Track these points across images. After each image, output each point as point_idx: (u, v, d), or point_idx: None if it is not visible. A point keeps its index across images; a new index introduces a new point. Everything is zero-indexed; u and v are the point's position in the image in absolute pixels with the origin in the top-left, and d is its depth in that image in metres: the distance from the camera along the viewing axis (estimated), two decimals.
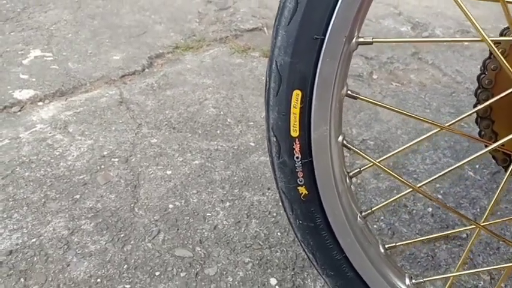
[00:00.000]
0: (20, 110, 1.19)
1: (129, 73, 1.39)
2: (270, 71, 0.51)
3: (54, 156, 1.03)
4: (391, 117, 1.26)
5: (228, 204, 0.94)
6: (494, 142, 0.64)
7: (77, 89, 1.29)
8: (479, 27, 0.45)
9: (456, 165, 0.55)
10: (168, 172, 1.01)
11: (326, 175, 0.54)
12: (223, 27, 1.75)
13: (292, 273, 0.80)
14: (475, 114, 0.73)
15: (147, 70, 1.43)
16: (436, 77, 1.50)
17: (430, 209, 0.95)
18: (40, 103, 1.22)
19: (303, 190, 0.56)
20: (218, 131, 1.16)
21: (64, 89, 1.28)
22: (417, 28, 1.86)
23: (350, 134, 1.18)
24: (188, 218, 0.90)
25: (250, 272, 0.80)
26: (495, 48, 0.45)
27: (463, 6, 0.44)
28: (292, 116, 0.51)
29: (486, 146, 0.68)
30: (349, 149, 0.56)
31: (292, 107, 0.50)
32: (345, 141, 0.55)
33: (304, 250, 0.61)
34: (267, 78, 0.52)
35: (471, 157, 0.54)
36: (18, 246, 0.81)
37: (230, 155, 1.08)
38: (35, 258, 0.79)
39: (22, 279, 0.76)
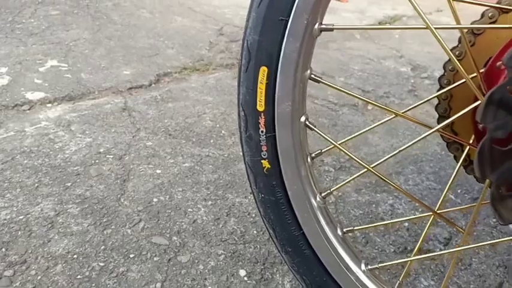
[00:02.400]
0: (29, 109, 1.27)
1: (137, 86, 1.48)
2: (242, 49, 0.57)
3: (53, 149, 1.09)
4: (380, 142, 1.30)
5: (210, 203, 0.97)
6: (453, 131, 0.68)
7: (85, 96, 1.38)
8: (423, 16, 0.51)
9: (405, 146, 0.59)
10: (158, 171, 1.06)
11: (288, 151, 0.59)
12: (231, 55, 1.86)
13: (262, 267, 0.82)
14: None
15: (153, 85, 1.52)
16: (429, 113, 1.55)
17: (406, 224, 0.96)
18: (49, 105, 1.30)
19: (266, 164, 0.60)
20: (212, 140, 1.21)
21: (73, 95, 1.37)
22: (417, 69, 1.94)
23: (338, 153, 1.22)
24: (170, 211, 0.93)
25: (221, 262, 0.82)
26: (439, 36, 0.51)
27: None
28: (258, 91, 0.56)
29: (451, 143, 0.72)
30: (311, 129, 0.60)
31: (259, 82, 0.56)
32: (307, 122, 0.60)
33: (265, 225, 0.64)
34: (240, 57, 0.58)
35: (417, 139, 0.58)
36: (6, 221, 0.86)
37: (219, 161, 1.12)
38: (19, 233, 0.83)
39: (4, 249, 0.79)
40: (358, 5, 3.01)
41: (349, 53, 2.10)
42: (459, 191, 1.10)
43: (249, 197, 1.00)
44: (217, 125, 1.30)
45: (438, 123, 0.71)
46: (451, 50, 0.66)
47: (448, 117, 0.67)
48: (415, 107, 0.66)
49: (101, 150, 1.11)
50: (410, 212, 1.01)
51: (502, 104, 0.43)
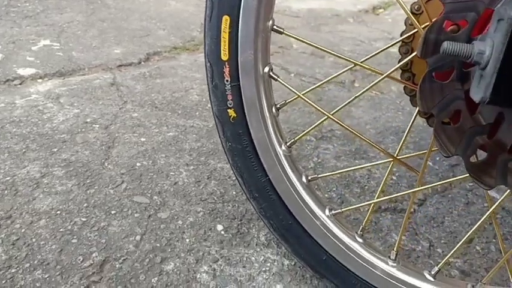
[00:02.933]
0: (20, 84, 1.30)
1: (126, 64, 1.51)
2: (206, 0, 0.59)
3: (41, 119, 1.12)
4: (364, 115, 1.33)
5: (192, 167, 1.00)
6: (414, 84, 0.70)
7: (75, 72, 1.41)
8: None
9: (361, 92, 0.62)
10: (142, 139, 1.09)
11: (252, 100, 0.61)
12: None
13: (239, 223, 0.85)
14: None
15: (143, 63, 1.54)
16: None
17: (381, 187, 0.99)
18: (39, 80, 1.34)
19: (232, 113, 0.63)
20: (197, 113, 1.24)
21: (64, 71, 1.40)
22: None
23: (320, 124, 1.24)
24: (152, 174, 0.96)
25: (200, 219, 0.85)
26: None
27: None
28: (222, 40, 0.59)
29: (411, 96, 0.74)
30: (275, 79, 0.63)
31: (222, 31, 0.59)
32: (271, 73, 0.62)
33: (234, 173, 0.67)
34: (205, 8, 0.60)
35: (371, 84, 0.60)
36: None
37: (204, 131, 1.15)
38: (6, 192, 0.87)
39: None
40: None
41: (340, 35, 2.12)
42: (437, 158, 1.13)
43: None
44: (204, 99, 1.33)
45: (401, 77, 0.74)
46: (411, 4, 0.68)
47: (409, 71, 0.70)
48: (374, 55, 0.68)
49: (88, 120, 1.14)
50: (388, 177, 1.04)
51: (439, 39, 0.46)
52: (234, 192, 0.93)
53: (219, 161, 1.04)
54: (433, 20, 0.58)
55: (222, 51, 0.60)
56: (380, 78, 0.60)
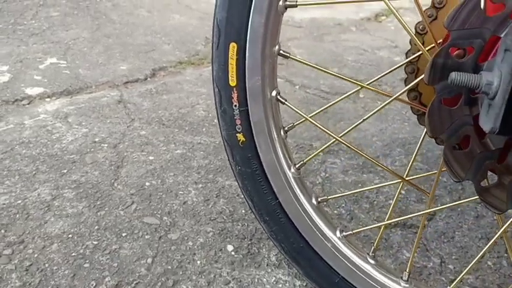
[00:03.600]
0: (28, 103, 1.31)
1: (133, 80, 1.52)
2: (213, 27, 0.60)
3: (50, 139, 1.13)
4: (370, 127, 1.33)
5: (200, 185, 1.01)
6: (420, 104, 0.71)
7: (83, 90, 1.42)
8: None
9: (368, 115, 0.62)
10: (151, 157, 1.10)
11: (260, 124, 0.62)
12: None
13: (249, 242, 0.85)
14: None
15: (149, 79, 1.56)
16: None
17: (391, 201, 0.99)
18: (48, 99, 1.35)
19: (241, 137, 0.63)
20: (204, 129, 1.25)
21: (71, 89, 1.41)
22: None
23: (327, 138, 1.25)
24: (161, 194, 0.97)
25: (210, 239, 0.85)
26: (392, 7, 0.54)
27: None
28: (230, 66, 0.60)
29: (419, 115, 0.75)
30: (282, 103, 0.63)
31: (229, 58, 0.59)
32: (278, 96, 0.63)
33: (244, 197, 0.67)
34: (212, 35, 0.61)
35: (378, 108, 0.61)
36: (4, 206, 0.90)
37: (211, 148, 1.16)
38: (17, 216, 0.88)
39: (3, 231, 0.83)
40: None
41: (343, 45, 2.12)
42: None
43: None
44: (210, 115, 1.34)
45: (408, 97, 0.74)
46: (416, 24, 0.69)
47: (416, 90, 0.70)
48: (380, 78, 0.69)
49: (96, 139, 1.15)
50: (396, 191, 1.04)
51: (446, 65, 0.46)
52: (243, 211, 0.93)
53: (227, 178, 1.04)
54: (439, 47, 0.59)
55: (230, 77, 0.60)
56: (388, 101, 0.61)
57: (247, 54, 0.58)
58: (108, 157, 1.08)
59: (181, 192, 0.98)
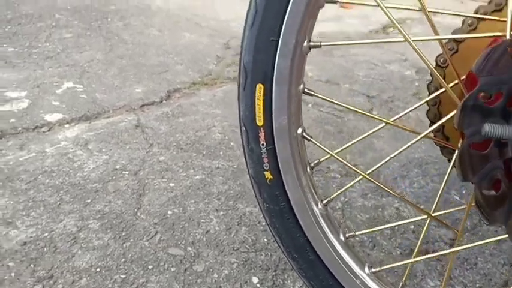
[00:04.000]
0: (48, 130, 1.34)
1: (149, 103, 1.54)
2: (239, 69, 0.62)
3: (72, 168, 1.15)
4: (385, 146, 1.33)
5: (221, 213, 1.02)
6: (445, 140, 0.71)
7: (100, 115, 1.44)
8: (401, 29, 0.55)
9: (395, 153, 0.63)
10: (171, 184, 1.11)
11: (287, 161, 0.63)
12: (237, 68, 1.91)
13: (274, 274, 0.86)
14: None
15: (164, 101, 1.58)
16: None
17: (412, 226, 0.99)
18: (66, 125, 1.37)
19: (268, 175, 0.64)
20: (221, 152, 1.26)
21: (89, 114, 1.43)
22: (421, 72, 1.96)
23: (344, 159, 1.25)
24: (184, 223, 0.98)
25: (234, 270, 0.86)
26: (417, 48, 0.55)
27: (387, 11, 0.54)
28: (257, 106, 0.61)
29: (443, 147, 0.75)
30: (308, 140, 0.64)
31: (256, 98, 0.61)
32: (304, 133, 0.64)
33: (272, 233, 0.68)
34: (238, 76, 0.62)
35: (406, 146, 0.61)
36: (32, 239, 0.91)
37: (229, 173, 1.17)
38: (45, 249, 0.89)
39: (32, 266, 0.85)
40: (362, 11, 3.04)
41: (353, 59, 2.13)
42: (464, 191, 1.13)
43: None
44: (226, 137, 1.35)
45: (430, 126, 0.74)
46: (437, 57, 0.69)
47: (437, 109, 0.71)
48: (404, 114, 0.70)
49: (117, 166, 1.17)
50: (416, 214, 1.04)
51: (476, 110, 0.47)
52: (266, 240, 0.94)
53: (247, 204, 1.05)
54: (462, 83, 0.59)
55: (256, 117, 0.62)
56: (417, 139, 0.61)
57: (273, 95, 0.60)
58: (130, 185, 1.10)
59: (203, 221, 0.99)
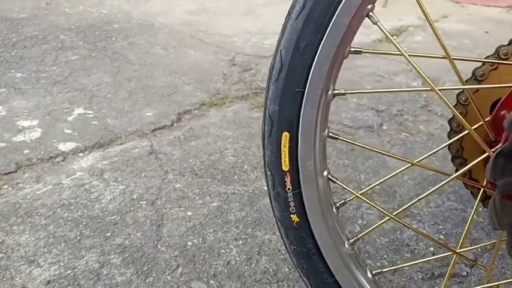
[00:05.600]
0: (63, 160, 1.35)
1: (160, 127, 1.55)
2: (264, 117, 0.63)
3: (90, 200, 1.16)
4: (398, 164, 1.34)
5: (241, 242, 1.02)
6: (469, 176, 0.72)
7: (113, 142, 1.45)
8: (427, 79, 0.56)
9: (424, 194, 0.64)
10: (189, 213, 1.12)
11: (314, 204, 0.64)
12: (245, 86, 1.93)
13: None
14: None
15: (175, 124, 1.59)
16: (445, 127, 1.58)
17: (431, 248, 1.00)
18: (81, 154, 1.38)
19: (295, 218, 0.65)
20: (235, 177, 1.27)
21: (102, 142, 1.45)
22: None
23: (358, 179, 1.26)
24: (204, 254, 0.99)
25: None
26: (443, 97, 0.56)
27: (413, 62, 0.55)
28: (282, 153, 0.62)
29: (468, 186, 0.75)
30: (334, 182, 0.65)
31: (282, 146, 0.61)
32: (329, 176, 0.65)
33: (300, 274, 0.69)
34: (262, 124, 0.63)
35: (436, 187, 0.62)
36: (55, 277, 0.92)
37: (245, 198, 1.18)
38: (69, 287, 0.90)
39: None
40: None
41: (359, 71, 2.14)
42: (480, 209, 1.13)
43: (277, 234, 1.04)
44: (239, 160, 1.36)
45: (452, 161, 0.75)
46: (457, 95, 0.70)
47: (461, 157, 0.71)
48: (429, 156, 0.70)
49: (134, 196, 1.18)
50: (435, 236, 1.05)
51: (508, 162, 0.47)
52: (287, 269, 0.95)
53: (265, 232, 1.06)
54: (486, 124, 0.60)
55: (282, 163, 0.62)
56: (447, 180, 0.61)
57: (299, 142, 0.60)
58: (148, 216, 1.10)
59: (223, 251, 1.00)
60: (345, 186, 0.66)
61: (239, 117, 1.65)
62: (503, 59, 0.63)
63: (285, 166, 0.62)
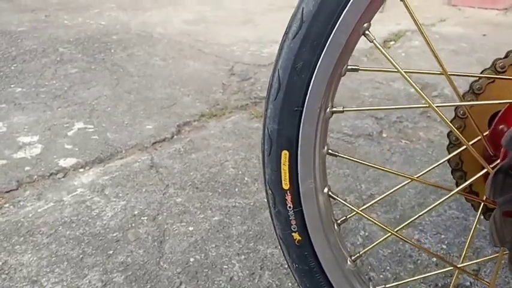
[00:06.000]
0: (64, 176, 1.35)
1: (160, 140, 1.56)
2: (263, 136, 0.63)
3: (91, 216, 1.16)
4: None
5: (243, 257, 1.02)
6: (470, 189, 0.72)
7: (114, 156, 1.46)
8: (424, 95, 0.56)
9: (426, 209, 0.63)
10: (191, 228, 1.12)
11: (315, 222, 0.64)
12: (244, 95, 1.93)
13: None
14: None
15: (175, 137, 1.59)
16: (444, 134, 1.58)
17: (434, 259, 1.00)
18: (81, 169, 1.39)
19: (296, 236, 0.65)
20: (236, 189, 1.27)
21: (102, 157, 1.45)
22: (426, 88, 1.97)
23: (359, 189, 1.26)
24: (207, 270, 0.99)
25: None
26: (441, 114, 0.56)
27: (409, 79, 0.55)
28: (282, 171, 0.62)
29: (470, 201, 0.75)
30: (334, 199, 0.65)
31: (282, 164, 0.61)
32: (330, 193, 0.65)
33: None
34: (262, 142, 0.63)
35: (437, 202, 0.62)
36: None
37: (247, 211, 1.18)
38: None
39: None
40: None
41: (358, 78, 2.14)
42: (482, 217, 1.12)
43: (279, 247, 1.04)
44: (240, 172, 1.36)
45: (452, 173, 0.75)
46: (455, 109, 0.70)
47: (461, 170, 0.71)
48: (429, 171, 0.70)
49: (136, 212, 1.18)
50: (437, 246, 1.04)
51: (507, 180, 0.47)
52: (290, 284, 0.94)
53: (267, 246, 1.05)
54: (484, 139, 0.60)
55: (283, 181, 0.62)
56: (449, 195, 0.61)
57: (299, 160, 0.60)
58: (150, 232, 1.10)
59: (226, 267, 0.99)
60: (345, 203, 0.66)
61: (239, 127, 1.65)
62: (500, 72, 0.63)
63: (285, 184, 0.62)
